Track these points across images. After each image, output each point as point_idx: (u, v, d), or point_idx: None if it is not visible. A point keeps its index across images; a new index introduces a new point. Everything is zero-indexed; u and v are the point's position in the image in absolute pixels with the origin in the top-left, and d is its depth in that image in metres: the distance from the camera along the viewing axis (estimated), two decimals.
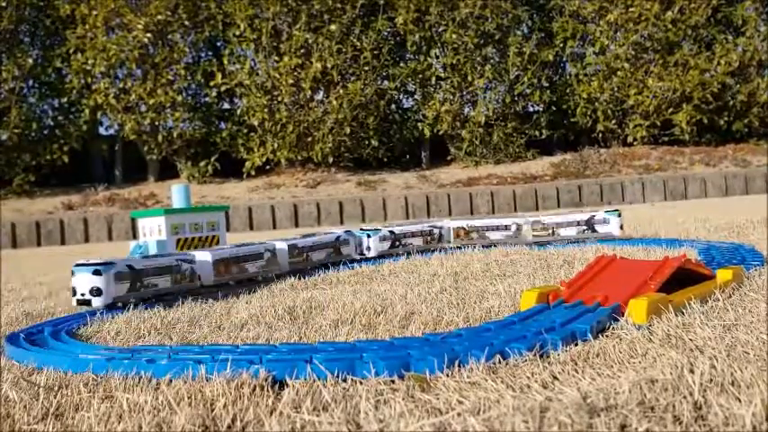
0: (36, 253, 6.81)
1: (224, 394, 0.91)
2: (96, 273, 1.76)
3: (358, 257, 2.77)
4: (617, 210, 2.97)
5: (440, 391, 0.88)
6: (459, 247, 2.95)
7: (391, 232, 2.80)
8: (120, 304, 1.80)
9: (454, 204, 9.31)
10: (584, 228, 2.92)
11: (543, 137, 12.15)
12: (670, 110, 11.62)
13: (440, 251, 2.87)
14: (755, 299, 1.37)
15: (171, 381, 1.00)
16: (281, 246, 2.38)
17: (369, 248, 2.76)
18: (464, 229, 3.00)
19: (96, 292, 1.76)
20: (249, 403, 0.88)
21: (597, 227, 2.91)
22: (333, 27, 11.09)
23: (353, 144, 11.59)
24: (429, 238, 2.94)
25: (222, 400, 0.88)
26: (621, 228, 2.90)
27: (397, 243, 2.82)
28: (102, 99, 11.09)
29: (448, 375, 0.95)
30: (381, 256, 2.75)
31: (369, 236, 2.75)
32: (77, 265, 1.78)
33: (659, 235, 3.10)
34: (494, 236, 2.97)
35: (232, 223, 8.76)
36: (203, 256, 2.08)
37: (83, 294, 1.77)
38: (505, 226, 2.97)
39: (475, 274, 2.06)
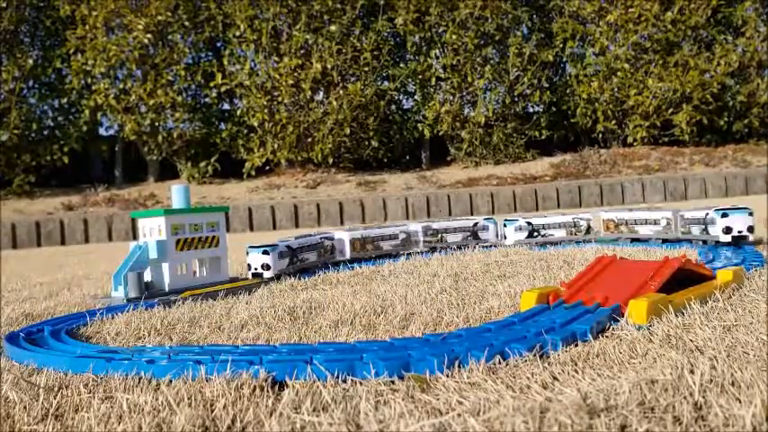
0: (36, 253, 6.81)
1: (224, 395, 0.91)
2: (265, 252, 2.27)
3: (494, 244, 3.08)
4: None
5: (440, 392, 0.88)
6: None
7: (528, 223, 3.05)
8: (281, 275, 2.32)
9: (454, 205, 9.31)
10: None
11: (543, 137, 12.16)
12: (670, 110, 11.63)
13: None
14: (755, 299, 1.37)
15: (171, 381, 1.01)
16: (415, 227, 2.89)
17: (505, 237, 3.07)
18: (613, 222, 2.99)
19: (266, 267, 2.28)
20: (249, 404, 0.88)
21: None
22: (333, 28, 11.10)
23: (353, 145, 11.59)
24: (574, 230, 3.05)
25: (222, 401, 0.88)
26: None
27: (535, 233, 3.04)
28: (103, 100, 11.09)
29: (448, 376, 0.95)
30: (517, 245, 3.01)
31: (505, 225, 3.09)
32: (251, 247, 2.29)
33: None
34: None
35: (232, 224, 8.76)
36: (341, 235, 2.68)
37: (256, 269, 2.28)
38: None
39: (475, 274, 2.06)
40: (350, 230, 2.80)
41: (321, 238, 2.64)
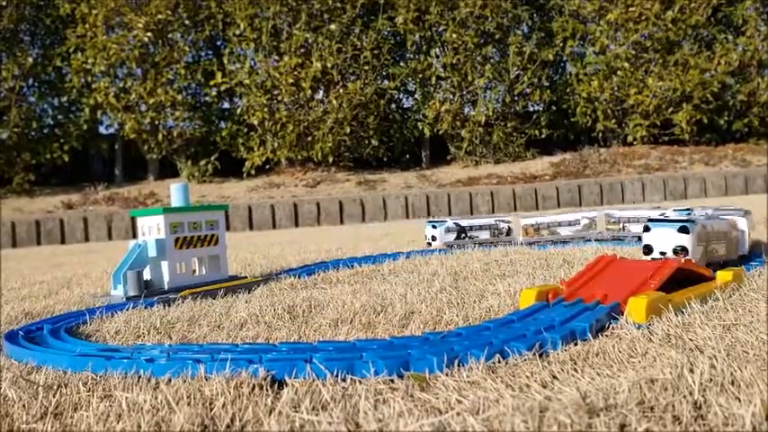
0: (36, 252, 6.81)
1: (223, 393, 0.91)
2: (433, 227, 2.87)
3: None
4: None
5: (439, 391, 0.88)
6: (452, 247, 2.95)
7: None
8: (450, 247, 2.86)
9: (454, 204, 9.31)
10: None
11: (543, 136, 12.15)
12: (670, 109, 11.62)
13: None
14: (755, 299, 1.37)
15: (170, 380, 1.00)
16: (594, 214, 2.95)
17: None
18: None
19: (433, 238, 2.85)
20: (248, 402, 0.87)
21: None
22: (333, 27, 11.09)
23: (353, 143, 11.59)
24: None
25: (221, 400, 0.88)
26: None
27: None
28: (103, 98, 11.09)
29: (447, 375, 0.95)
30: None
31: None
32: (428, 221, 2.92)
33: None
34: None
35: (232, 222, 8.76)
36: (513, 219, 3.01)
37: (428, 239, 2.89)
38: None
39: (474, 273, 2.06)
40: (524, 217, 3.04)
41: (496, 221, 2.95)
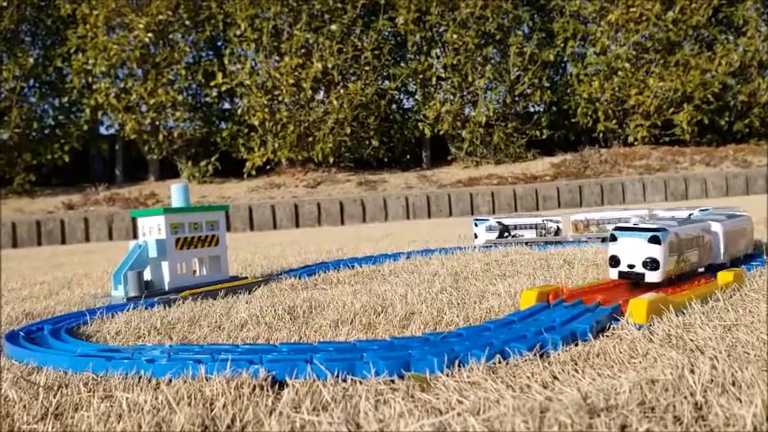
0: (36, 252, 6.82)
1: (224, 394, 0.91)
2: (476, 225, 2.96)
3: None
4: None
5: (440, 391, 0.88)
6: (461, 248, 2.95)
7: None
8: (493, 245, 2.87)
9: (455, 204, 9.31)
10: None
11: (544, 137, 12.15)
12: (671, 110, 11.62)
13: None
14: (756, 299, 1.37)
15: (171, 380, 1.00)
16: (644, 212, 2.87)
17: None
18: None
19: (475, 236, 2.93)
20: (249, 403, 0.87)
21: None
22: (333, 27, 11.09)
23: (354, 144, 11.59)
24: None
25: (222, 400, 0.88)
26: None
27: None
28: (103, 99, 11.09)
29: (448, 375, 0.95)
30: None
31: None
32: (475, 219, 2.97)
33: None
34: None
35: (232, 223, 8.76)
36: (562, 217, 2.98)
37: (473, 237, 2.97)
38: None
39: (475, 273, 2.06)
40: (573, 213, 3.04)
41: (543, 220, 2.95)
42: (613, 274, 1.50)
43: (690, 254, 1.55)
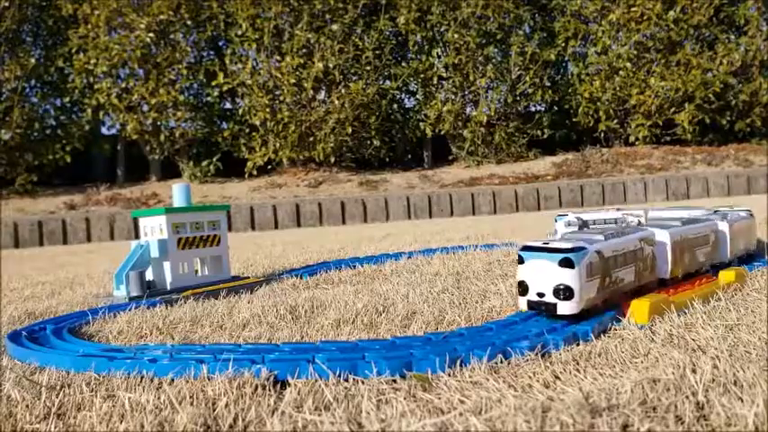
0: (38, 252, 6.82)
1: (226, 393, 0.91)
2: (555, 221, 2.40)
3: None
4: None
5: (441, 391, 0.88)
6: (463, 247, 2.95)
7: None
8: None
9: (456, 204, 9.31)
10: None
11: (545, 136, 12.14)
12: (672, 109, 11.61)
13: (442, 251, 2.87)
14: (758, 299, 1.36)
15: (173, 380, 1.01)
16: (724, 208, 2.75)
17: None
18: None
19: (554, 231, 2.49)
20: (251, 402, 0.88)
21: None
22: (335, 27, 11.09)
23: (355, 144, 11.59)
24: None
25: (224, 400, 0.88)
26: None
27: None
28: (105, 99, 11.09)
29: (450, 375, 0.95)
30: None
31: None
32: (558, 216, 2.41)
33: None
34: None
35: (234, 222, 8.76)
36: (641, 211, 2.71)
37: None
38: None
39: (477, 273, 2.06)
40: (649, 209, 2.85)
41: (624, 214, 2.75)
42: (522, 304, 1.25)
43: (623, 272, 1.29)
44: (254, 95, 11.18)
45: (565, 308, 1.17)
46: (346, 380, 0.96)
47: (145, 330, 1.46)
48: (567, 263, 1.17)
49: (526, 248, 1.24)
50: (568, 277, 1.17)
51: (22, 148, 11.04)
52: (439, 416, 0.78)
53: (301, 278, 2.26)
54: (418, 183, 10.92)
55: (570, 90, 12.19)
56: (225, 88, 11.52)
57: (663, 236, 1.46)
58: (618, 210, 2.42)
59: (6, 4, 10.95)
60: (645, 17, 11.22)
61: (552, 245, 1.21)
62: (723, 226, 1.73)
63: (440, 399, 0.85)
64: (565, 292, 1.17)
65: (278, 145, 11.33)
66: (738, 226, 1.82)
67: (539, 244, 1.23)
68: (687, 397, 0.77)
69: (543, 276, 1.20)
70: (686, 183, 9.69)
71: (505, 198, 9.40)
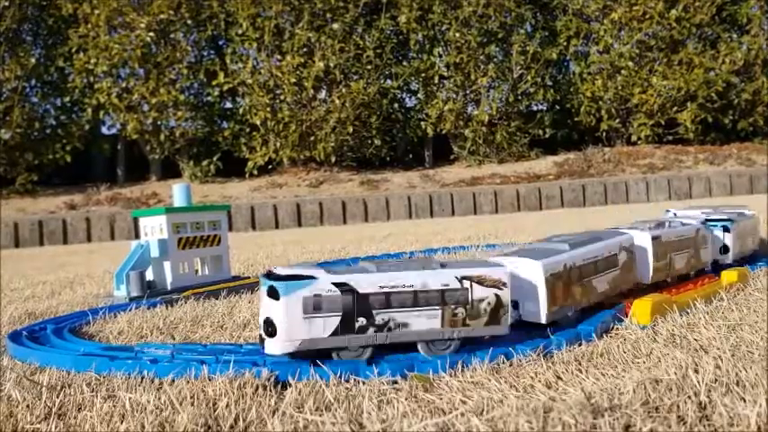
0: (38, 252, 6.83)
1: (226, 394, 0.90)
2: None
3: None
4: None
5: (443, 391, 0.88)
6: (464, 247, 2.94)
7: None
8: None
9: (457, 204, 9.30)
10: None
11: (547, 136, 12.13)
12: (674, 108, 11.59)
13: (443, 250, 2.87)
14: (760, 299, 1.36)
15: (173, 380, 1.00)
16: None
17: None
18: None
19: None
20: (252, 403, 0.87)
21: None
22: (335, 26, 11.09)
23: (356, 143, 11.58)
24: None
25: (225, 400, 0.88)
26: None
27: None
28: (105, 98, 11.10)
29: (451, 375, 0.95)
30: None
31: None
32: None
33: None
34: None
35: (234, 222, 8.76)
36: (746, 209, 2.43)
37: None
38: None
39: None
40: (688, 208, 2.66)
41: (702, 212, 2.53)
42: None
43: (402, 315, 1.00)
44: (254, 95, 11.18)
45: (271, 347, 0.99)
46: (347, 380, 0.95)
47: (145, 330, 1.46)
48: (272, 293, 0.97)
49: (268, 276, 1.00)
50: (276, 310, 0.97)
51: (22, 148, 11.04)
52: (440, 416, 0.78)
53: None
54: (419, 182, 10.92)
55: (572, 89, 12.19)
56: (225, 88, 11.52)
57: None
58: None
59: (6, 3, 10.95)
60: (647, 16, 11.21)
61: (283, 272, 0.99)
62: (642, 238, 1.39)
63: (441, 399, 0.85)
64: (271, 327, 0.97)
65: (278, 144, 11.33)
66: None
67: (282, 270, 1.00)
68: (689, 397, 0.77)
69: (264, 306, 1.00)
70: (688, 182, 9.68)
71: (507, 198, 9.40)
